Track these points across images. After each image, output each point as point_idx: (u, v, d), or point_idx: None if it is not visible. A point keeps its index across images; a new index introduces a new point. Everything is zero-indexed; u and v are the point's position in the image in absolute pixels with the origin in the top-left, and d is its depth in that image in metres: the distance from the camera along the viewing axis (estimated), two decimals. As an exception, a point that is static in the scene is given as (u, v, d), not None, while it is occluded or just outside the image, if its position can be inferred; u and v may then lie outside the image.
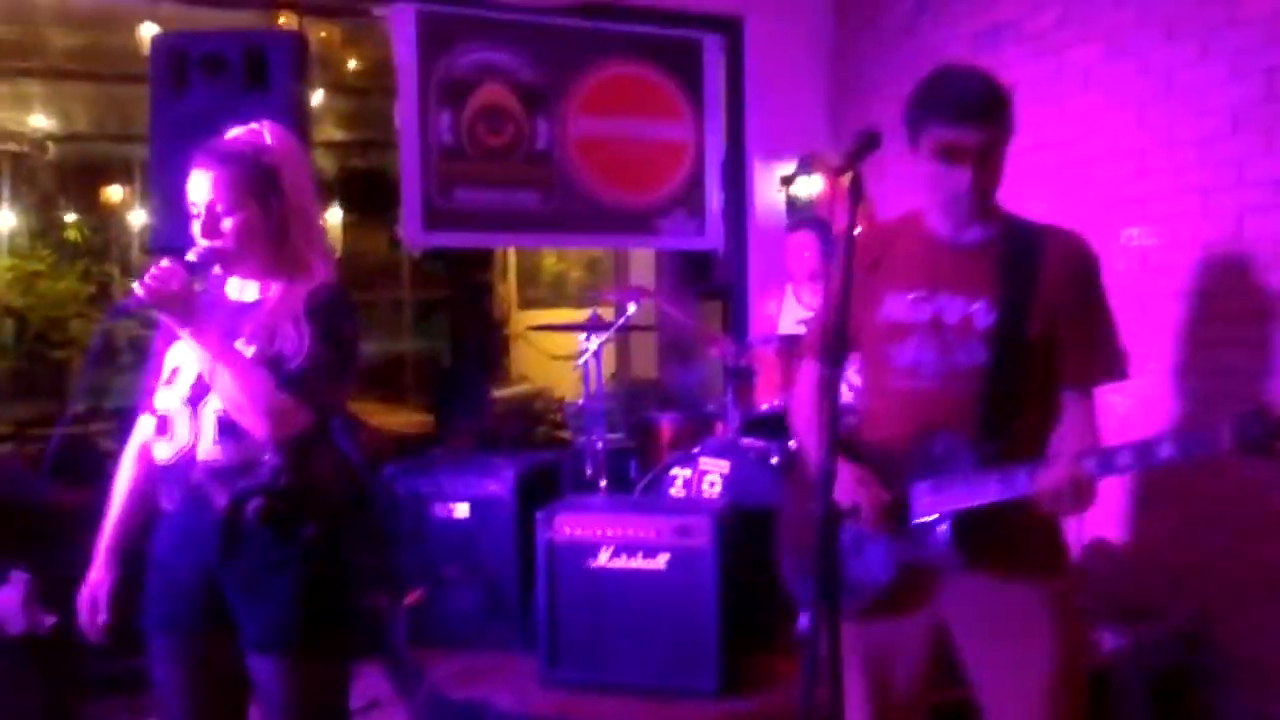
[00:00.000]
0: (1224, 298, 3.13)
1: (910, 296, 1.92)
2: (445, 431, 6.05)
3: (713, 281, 5.29)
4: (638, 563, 3.07)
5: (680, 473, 3.67)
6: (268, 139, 1.97)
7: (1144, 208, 3.38)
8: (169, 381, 1.93)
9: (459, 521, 3.55)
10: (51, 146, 8.01)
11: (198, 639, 1.93)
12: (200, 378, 1.87)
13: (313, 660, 1.92)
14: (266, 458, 1.87)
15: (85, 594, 2.02)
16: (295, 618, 1.88)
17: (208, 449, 1.87)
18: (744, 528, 3.13)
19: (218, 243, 1.90)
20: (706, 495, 3.57)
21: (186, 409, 1.89)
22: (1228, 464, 3.05)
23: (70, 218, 8.67)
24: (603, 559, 3.09)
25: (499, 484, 3.53)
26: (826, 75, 5.03)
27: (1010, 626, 1.85)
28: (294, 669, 1.90)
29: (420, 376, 8.29)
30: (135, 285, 1.78)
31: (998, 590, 1.85)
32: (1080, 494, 1.66)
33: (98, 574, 2.02)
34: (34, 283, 8.16)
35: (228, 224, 1.89)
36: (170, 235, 3.28)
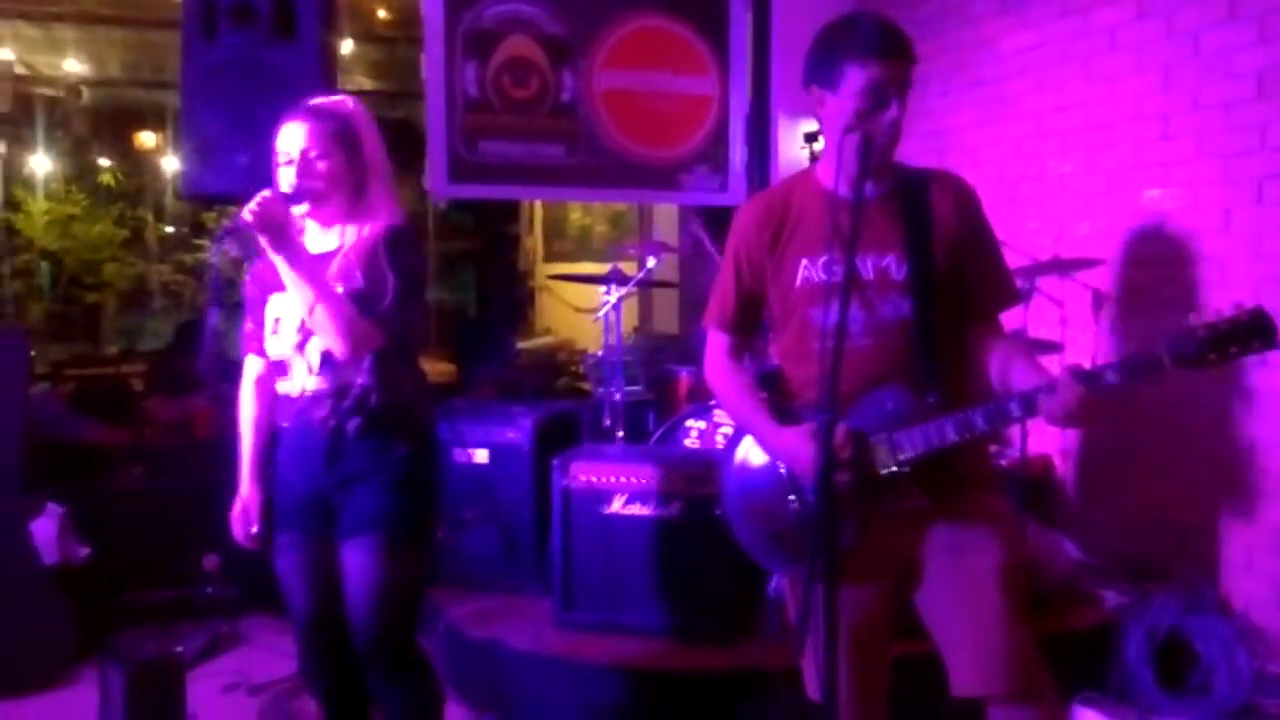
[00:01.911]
0: (1242, 262, 3.13)
1: (823, 259, 1.93)
2: (468, 380, 6.14)
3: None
4: (650, 510, 3.15)
5: (695, 424, 3.73)
6: (350, 106, 2.26)
7: (1166, 170, 3.37)
8: (275, 332, 2.21)
9: (478, 467, 3.63)
10: (85, 91, 8.09)
11: (310, 536, 2.23)
12: (303, 324, 2.13)
13: (400, 542, 2.18)
14: (360, 381, 2.14)
15: (239, 510, 2.32)
16: (387, 505, 2.17)
17: (313, 380, 2.17)
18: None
19: (310, 180, 2.14)
20: (720, 447, 3.63)
21: (296, 353, 2.18)
22: (1229, 426, 3.09)
23: (104, 162, 8.77)
24: (616, 505, 3.17)
25: (517, 432, 3.61)
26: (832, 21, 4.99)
27: (965, 549, 1.89)
28: (385, 548, 2.15)
29: (445, 326, 8.38)
30: (239, 212, 2.01)
31: (956, 522, 1.90)
32: (1087, 411, 1.68)
33: (249, 493, 2.31)
34: (69, 226, 8.29)
35: (321, 167, 2.15)
36: (202, 180, 3.36)
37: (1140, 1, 3.43)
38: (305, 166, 2.15)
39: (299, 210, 2.17)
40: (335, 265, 2.14)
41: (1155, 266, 3.42)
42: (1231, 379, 3.14)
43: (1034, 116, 3.88)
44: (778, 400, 2.05)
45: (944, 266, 1.91)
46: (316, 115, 2.19)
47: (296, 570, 2.26)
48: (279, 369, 2.23)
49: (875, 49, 1.84)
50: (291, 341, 2.18)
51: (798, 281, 1.97)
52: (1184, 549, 3.33)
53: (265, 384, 2.31)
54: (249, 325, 2.30)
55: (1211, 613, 3.00)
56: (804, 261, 1.96)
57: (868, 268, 1.91)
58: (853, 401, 1.88)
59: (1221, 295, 3.15)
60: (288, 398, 2.22)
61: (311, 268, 2.09)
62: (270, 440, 2.32)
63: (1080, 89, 3.68)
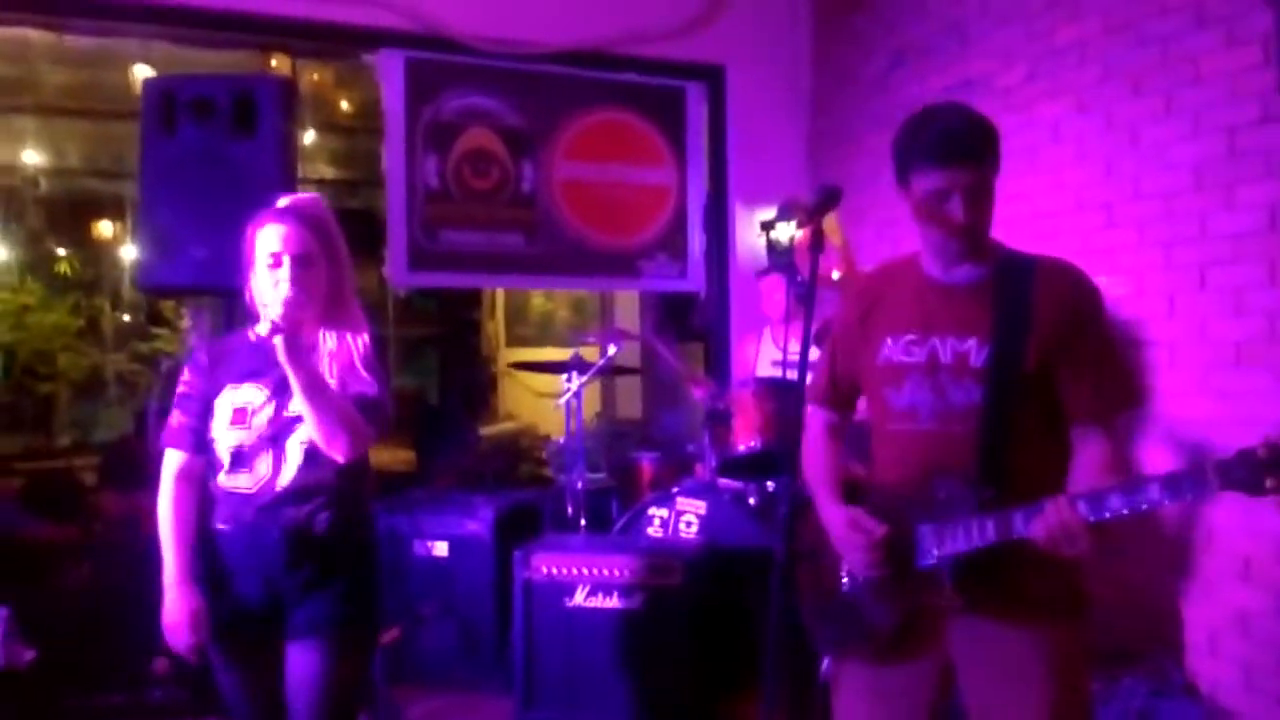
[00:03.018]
0: (1189, 347, 3.20)
1: (905, 339, 1.92)
2: (428, 469, 6.07)
3: (694, 324, 5.36)
4: (613, 602, 3.11)
5: (658, 512, 3.72)
6: (324, 207, 2.25)
7: (1111, 258, 3.46)
8: (236, 423, 2.15)
9: (437, 560, 3.59)
10: (43, 181, 8.07)
11: (257, 648, 2.16)
12: (280, 416, 2.12)
13: (349, 646, 2.16)
14: (331, 482, 2.14)
15: (180, 618, 2.14)
16: (342, 609, 2.14)
17: (286, 476, 2.12)
18: (719, 568, 3.17)
19: (304, 288, 2.10)
20: (684, 535, 3.61)
21: (267, 445, 2.12)
22: (1194, 512, 3.13)
23: (61, 252, 8.71)
24: (579, 598, 3.13)
25: (478, 523, 3.57)
26: (805, 124, 5.15)
27: (1009, 670, 1.83)
28: (334, 651, 2.12)
29: (405, 413, 8.31)
30: (272, 316, 2.00)
31: (999, 633, 1.84)
32: (1073, 537, 1.63)
33: (186, 599, 2.15)
34: (23, 317, 8.17)
35: (313, 272, 2.13)
36: (157, 273, 3.34)
37: (1080, 98, 3.56)
38: (300, 271, 2.12)
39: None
40: (331, 369, 2.14)
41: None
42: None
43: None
44: (855, 480, 2.06)
45: (1031, 359, 1.82)
46: (301, 218, 2.16)
47: (242, 685, 2.19)
48: (237, 460, 2.15)
49: (933, 155, 1.83)
50: (261, 433, 2.13)
51: (879, 360, 1.96)
52: (1150, 632, 3.33)
53: (192, 480, 2.21)
54: (179, 419, 2.22)
55: (1179, 696, 2.99)
56: (888, 340, 1.95)
57: (946, 351, 1.87)
58: (911, 487, 1.86)
59: (1170, 378, 3.22)
60: (237, 495, 2.14)
61: (318, 371, 2.10)
62: (195, 539, 2.21)
63: (1026, 180, 3.79)
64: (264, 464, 2.14)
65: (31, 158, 7.76)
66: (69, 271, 8.63)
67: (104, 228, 8.67)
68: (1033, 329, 1.82)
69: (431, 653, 3.51)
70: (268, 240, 2.14)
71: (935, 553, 1.80)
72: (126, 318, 8.77)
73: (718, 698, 3.07)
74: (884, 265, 2.14)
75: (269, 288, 2.12)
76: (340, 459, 2.08)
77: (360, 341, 2.19)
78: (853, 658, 2.00)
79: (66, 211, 8.47)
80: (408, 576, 3.58)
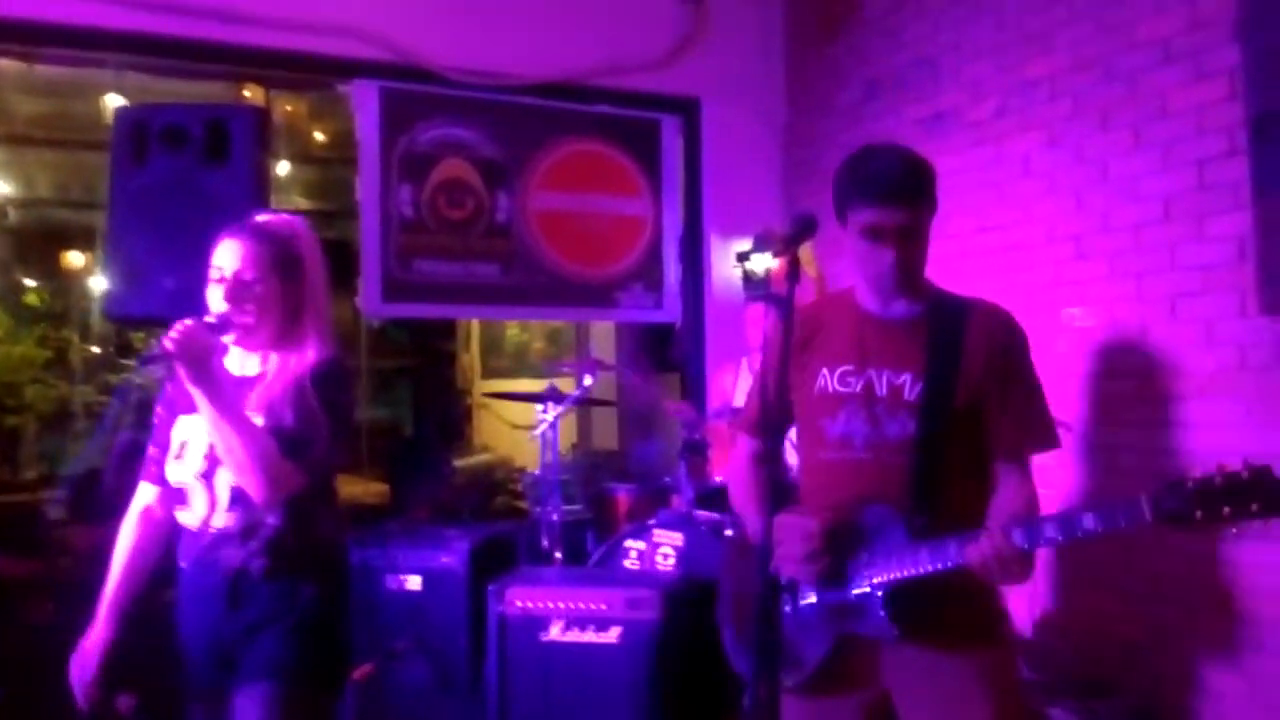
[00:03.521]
0: (1157, 378, 3.22)
1: (842, 369, 1.97)
2: (402, 501, 6.01)
3: (670, 354, 5.36)
4: (589, 636, 3.07)
5: (634, 545, 3.69)
6: (297, 228, 2.20)
7: (1082, 289, 3.49)
8: (179, 456, 2.07)
9: (410, 593, 3.53)
10: (11, 212, 7.99)
11: (213, 690, 2.05)
12: (211, 450, 2.01)
13: (298, 693, 2.02)
14: (270, 520, 2.02)
15: (81, 651, 2.10)
16: (286, 652, 2.01)
17: (220, 515, 2.03)
18: (696, 600, 3.14)
19: (239, 309, 2.05)
20: (660, 567, 3.58)
21: (200, 482, 2.04)
22: (1169, 540, 3.13)
23: (30, 283, 8.61)
24: (554, 633, 3.09)
25: (451, 556, 3.53)
26: (780, 156, 5.18)
27: (947, 696, 1.86)
28: (281, 699, 1.99)
29: (378, 445, 8.25)
30: (162, 339, 1.91)
31: (935, 661, 1.87)
32: (1008, 566, 1.69)
33: (96, 632, 2.11)
34: (-11, 349, 8.06)
35: (255, 292, 2.06)
36: (126, 303, 3.30)
37: (1051, 132, 3.60)
38: (237, 290, 2.06)
39: (225, 339, 2.08)
40: (257, 395, 2.04)
41: (1075, 382, 3.51)
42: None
43: (958, 237, 4.02)
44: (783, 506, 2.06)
45: (961, 395, 1.90)
46: (257, 236, 2.11)
47: None
48: (177, 497, 2.10)
49: (870, 194, 1.89)
50: (196, 469, 2.05)
51: (815, 389, 1.99)
52: (1129, 664, 3.33)
53: (151, 515, 2.16)
54: (152, 450, 2.17)
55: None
56: (824, 371, 1.99)
57: (882, 384, 1.93)
58: (839, 515, 1.88)
59: (1145, 410, 3.24)
60: (188, 531, 2.09)
61: (232, 402, 1.97)
62: (144, 576, 2.15)
63: (998, 212, 3.82)
64: (200, 502, 2.06)
65: (0, 188, 7.70)
66: (37, 302, 8.53)
67: (73, 258, 8.58)
68: (963, 368, 1.92)
69: (404, 690, 3.45)
70: (218, 256, 2.09)
71: (868, 580, 1.82)
72: (95, 349, 8.67)
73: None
74: (822, 298, 2.22)
75: (214, 304, 2.07)
76: (258, 500, 1.97)
77: (316, 367, 2.07)
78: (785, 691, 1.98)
79: (36, 242, 8.39)
80: (380, 610, 3.53)
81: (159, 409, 2.18)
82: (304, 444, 1.99)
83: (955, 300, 2.01)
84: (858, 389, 1.94)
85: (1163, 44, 3.17)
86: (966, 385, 1.90)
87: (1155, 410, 3.20)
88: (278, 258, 2.11)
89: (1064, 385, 3.58)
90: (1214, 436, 3.00)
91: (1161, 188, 3.20)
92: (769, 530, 1.67)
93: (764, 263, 4.88)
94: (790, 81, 5.19)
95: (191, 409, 2.03)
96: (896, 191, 1.89)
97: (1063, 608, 3.59)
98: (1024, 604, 3.77)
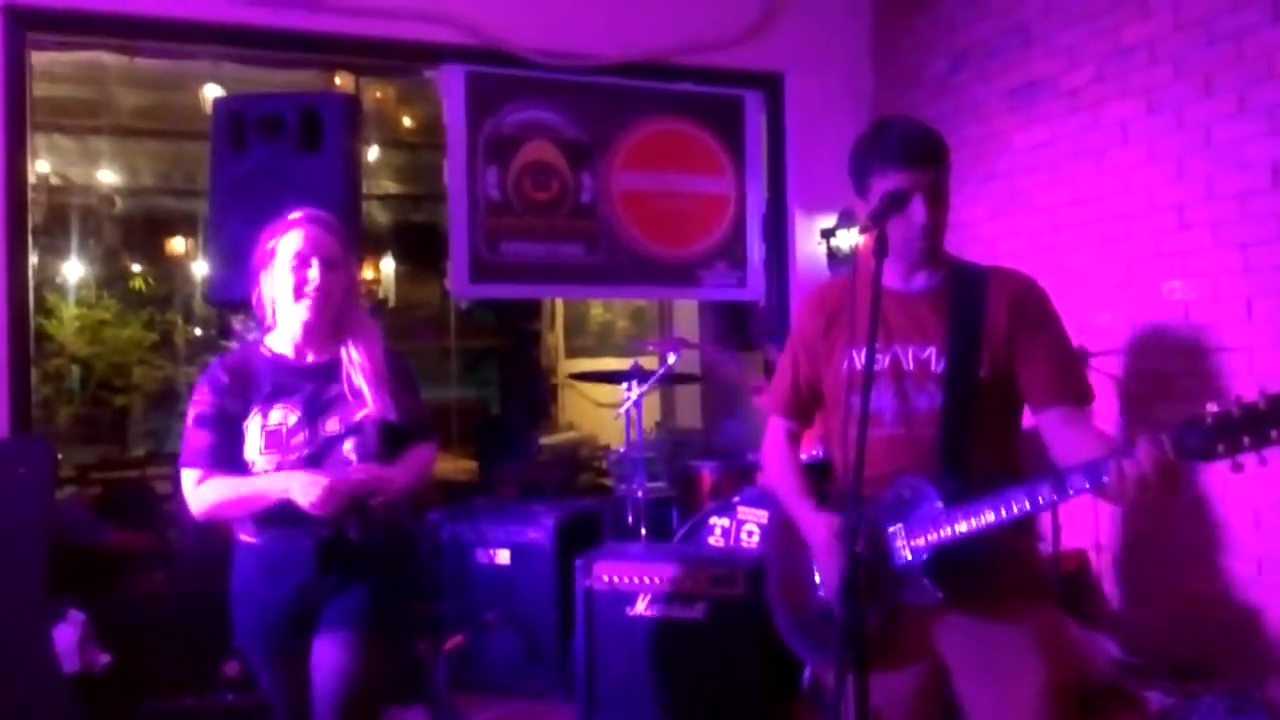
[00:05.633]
0: (1268, 351, 3.10)
1: (866, 348, 1.94)
2: (490, 478, 6.12)
3: (754, 332, 5.33)
4: (675, 611, 3.10)
5: (719, 522, 3.70)
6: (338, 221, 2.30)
7: (1185, 261, 3.37)
8: (273, 447, 2.14)
9: (500, 568, 3.60)
10: (118, 200, 8.32)
11: (291, 643, 2.17)
12: (317, 436, 2.14)
13: (376, 639, 2.15)
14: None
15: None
16: (371, 603, 2.16)
17: None
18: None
19: (326, 296, 2.16)
20: (745, 544, 3.59)
21: (306, 466, 2.12)
22: (1266, 521, 3.02)
23: (136, 268, 8.97)
24: (640, 607, 3.12)
25: (539, 531, 3.58)
26: (866, 129, 5.10)
27: (997, 660, 1.84)
28: (361, 642, 2.12)
29: (466, 424, 8.41)
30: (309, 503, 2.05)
31: (985, 628, 1.85)
32: (1170, 477, 1.52)
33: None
34: (99, 331, 8.43)
35: (332, 278, 2.17)
36: (227, 287, 3.41)
37: (1150, 98, 3.48)
38: (329, 275, 2.17)
39: (298, 323, 2.20)
40: (359, 387, 2.16)
41: (1179, 357, 3.40)
42: (1268, 470, 3.08)
43: (1048, 210, 3.91)
44: (821, 485, 2.09)
45: (987, 364, 1.90)
46: (328, 226, 2.23)
47: (276, 685, 2.24)
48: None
49: (895, 157, 1.90)
50: (299, 456, 2.14)
51: (844, 368, 1.99)
52: (1227, 647, 3.23)
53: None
54: (209, 438, 2.16)
55: (1259, 713, 2.89)
56: (852, 351, 1.98)
57: (908, 358, 1.94)
58: (876, 488, 1.88)
59: (1248, 384, 3.11)
60: (280, 511, 2.12)
61: (407, 467, 2.19)
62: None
63: (1094, 182, 3.71)
64: None
65: (107, 177, 8.03)
66: (143, 287, 8.89)
67: (176, 244, 8.91)
68: (986, 333, 1.90)
69: (495, 660, 3.53)
70: (293, 244, 2.17)
71: (908, 548, 1.83)
72: (198, 331, 9.00)
73: (779, 707, 3.04)
74: (846, 276, 2.20)
75: (287, 292, 2.16)
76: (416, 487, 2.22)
77: (390, 357, 2.25)
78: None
79: (141, 229, 8.73)
80: (471, 584, 3.61)
81: (209, 399, 2.18)
82: (425, 426, 2.26)
83: (974, 268, 2.00)
84: (885, 365, 1.94)
85: (1271, 3, 3.03)
86: (991, 350, 1.90)
87: (1265, 385, 3.07)
88: (343, 245, 2.23)
89: (1166, 359, 3.47)
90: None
91: (1269, 153, 3.07)
92: (854, 505, 1.65)
93: (850, 239, 4.82)
94: (876, 53, 5.10)
95: (268, 401, 2.15)
96: (921, 152, 1.90)
97: (1159, 589, 3.50)
98: (1117, 584, 3.68)
